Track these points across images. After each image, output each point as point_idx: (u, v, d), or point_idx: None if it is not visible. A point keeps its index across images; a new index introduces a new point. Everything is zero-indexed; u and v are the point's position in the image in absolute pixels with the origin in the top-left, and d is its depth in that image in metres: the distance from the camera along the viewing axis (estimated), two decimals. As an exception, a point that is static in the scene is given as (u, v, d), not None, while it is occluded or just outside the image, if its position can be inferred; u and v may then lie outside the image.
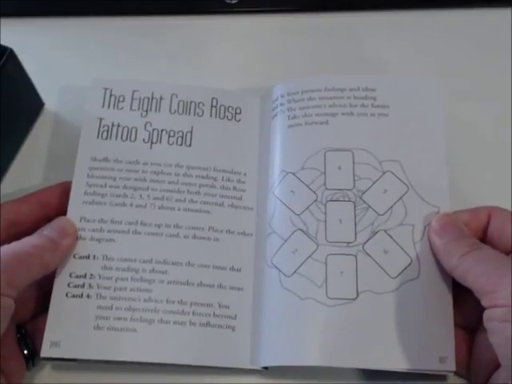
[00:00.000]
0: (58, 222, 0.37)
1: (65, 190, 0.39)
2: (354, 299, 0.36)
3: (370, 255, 0.37)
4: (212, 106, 0.42)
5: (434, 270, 0.36)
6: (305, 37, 0.49)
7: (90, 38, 0.49)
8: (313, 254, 0.37)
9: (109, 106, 0.42)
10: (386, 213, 0.38)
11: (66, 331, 0.35)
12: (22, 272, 0.33)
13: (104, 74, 0.46)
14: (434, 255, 0.36)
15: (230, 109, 0.42)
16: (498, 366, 0.33)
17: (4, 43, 0.40)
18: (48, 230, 0.36)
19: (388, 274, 0.36)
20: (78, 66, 0.48)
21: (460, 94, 0.45)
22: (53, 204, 0.38)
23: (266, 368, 0.36)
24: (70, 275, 0.37)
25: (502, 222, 0.35)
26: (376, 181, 0.38)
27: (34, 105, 0.46)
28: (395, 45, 0.49)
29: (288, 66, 0.48)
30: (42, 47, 0.49)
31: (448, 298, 0.36)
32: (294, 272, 0.37)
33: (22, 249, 0.34)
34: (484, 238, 0.36)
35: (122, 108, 0.42)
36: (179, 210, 0.39)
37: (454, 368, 0.34)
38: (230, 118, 0.42)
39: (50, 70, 0.48)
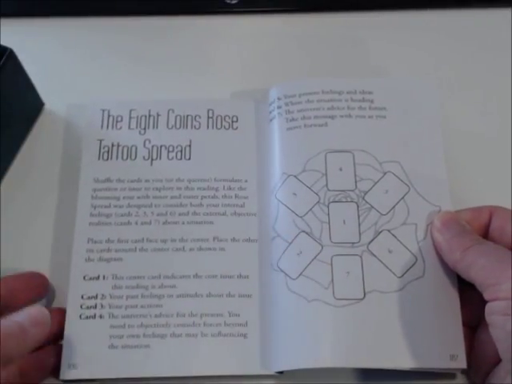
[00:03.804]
0: (29, 310, 0.33)
1: (32, 280, 0.38)
2: (361, 299, 0.36)
3: (375, 255, 0.37)
4: (208, 118, 0.43)
5: (439, 268, 0.36)
6: (305, 37, 0.49)
7: (90, 38, 0.50)
8: (318, 255, 0.37)
9: (107, 127, 0.42)
10: (388, 213, 0.38)
11: (81, 353, 0.36)
12: None
13: (103, 74, 0.48)
14: (438, 253, 0.36)
15: (226, 118, 0.43)
16: (497, 362, 0.33)
17: (4, 43, 0.40)
18: (19, 317, 0.32)
19: (394, 274, 0.37)
20: (77, 66, 0.48)
21: (460, 94, 0.46)
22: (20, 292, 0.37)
23: (280, 372, 0.37)
24: (82, 297, 0.38)
25: (502, 221, 0.35)
26: (377, 181, 0.39)
27: (34, 105, 0.46)
28: (395, 45, 0.49)
29: (288, 66, 0.48)
30: (42, 47, 0.49)
31: (454, 296, 0.36)
32: (300, 274, 0.37)
33: None
34: (485, 236, 0.36)
35: (120, 128, 0.42)
36: (183, 223, 0.40)
37: (465, 365, 0.34)
38: (227, 127, 0.43)
39: (50, 70, 0.48)
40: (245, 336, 0.37)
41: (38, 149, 0.45)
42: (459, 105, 0.45)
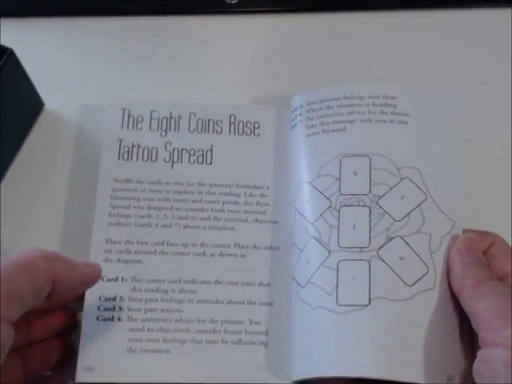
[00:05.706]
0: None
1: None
2: (365, 305, 0.34)
3: (384, 261, 0.35)
4: (230, 123, 0.42)
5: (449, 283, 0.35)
6: (306, 37, 0.49)
7: (90, 38, 0.49)
8: (324, 261, 0.36)
9: (128, 127, 0.42)
10: (402, 219, 0.36)
11: (99, 355, 0.35)
12: (23, 282, 0.28)
13: (103, 75, 0.47)
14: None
15: (248, 124, 0.43)
16: None
17: (4, 43, 0.40)
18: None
19: (404, 282, 0.35)
20: (78, 66, 0.48)
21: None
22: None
23: (303, 382, 0.36)
24: (100, 298, 0.37)
25: (496, 252, 0.35)
26: (393, 186, 0.37)
27: (33, 105, 0.45)
28: (395, 45, 0.49)
29: (288, 66, 0.48)
30: (42, 47, 0.49)
31: (458, 314, 0.35)
32: (308, 282, 0.36)
33: (25, 255, 0.29)
34: None
35: (141, 128, 0.42)
36: (204, 228, 0.39)
37: None
38: (248, 133, 0.42)
39: (50, 70, 0.47)
40: (266, 345, 0.37)
41: (37, 149, 0.45)
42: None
